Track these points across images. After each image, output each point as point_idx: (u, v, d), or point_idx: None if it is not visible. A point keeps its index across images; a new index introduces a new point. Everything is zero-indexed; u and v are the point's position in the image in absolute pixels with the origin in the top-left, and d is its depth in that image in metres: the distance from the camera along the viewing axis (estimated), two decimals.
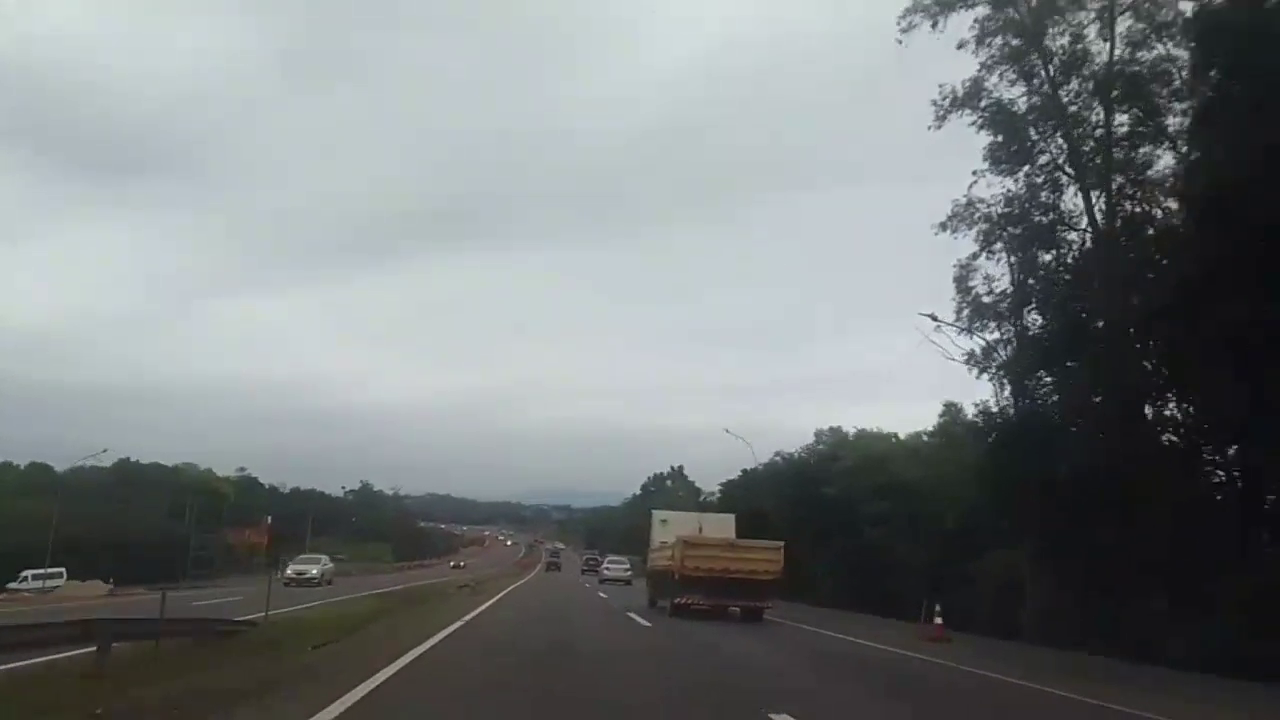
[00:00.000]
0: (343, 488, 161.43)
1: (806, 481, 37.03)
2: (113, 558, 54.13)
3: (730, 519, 30.65)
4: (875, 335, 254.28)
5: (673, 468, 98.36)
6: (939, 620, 19.51)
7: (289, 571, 45.63)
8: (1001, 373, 23.89)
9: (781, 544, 22.63)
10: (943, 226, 24.33)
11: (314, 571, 46.16)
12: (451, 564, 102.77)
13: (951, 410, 33.11)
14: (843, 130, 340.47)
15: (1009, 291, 23.55)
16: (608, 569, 57.79)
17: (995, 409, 24.19)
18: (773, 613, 26.50)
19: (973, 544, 29.71)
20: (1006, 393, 24.66)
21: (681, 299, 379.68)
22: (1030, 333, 23.35)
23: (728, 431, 51.04)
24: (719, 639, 17.02)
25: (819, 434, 54.56)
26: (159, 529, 79.58)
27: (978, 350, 23.95)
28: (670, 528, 26.64)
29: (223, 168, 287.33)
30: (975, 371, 24.04)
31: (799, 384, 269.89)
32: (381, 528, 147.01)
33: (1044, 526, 22.92)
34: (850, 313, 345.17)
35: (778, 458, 43.25)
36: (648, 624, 19.40)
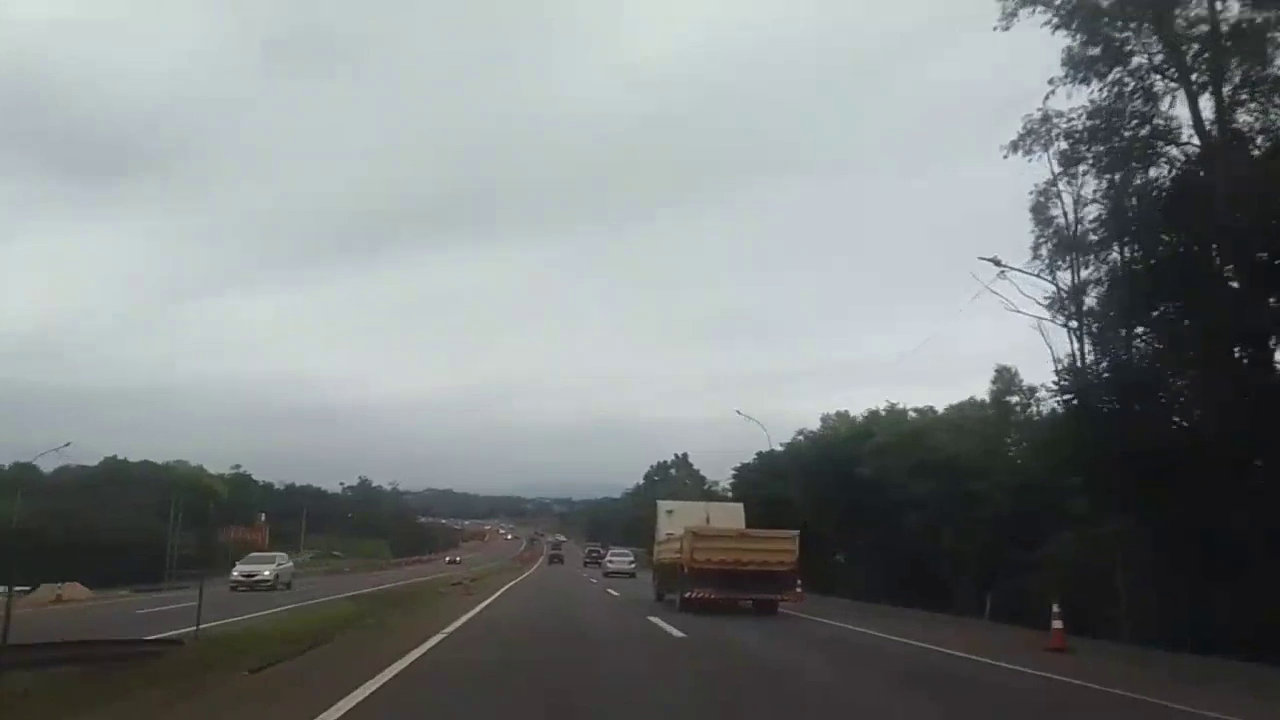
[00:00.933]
0: (341, 484, 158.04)
1: (835, 461, 32.84)
2: (93, 559, 51.27)
3: (739, 508, 28.80)
4: (879, 321, 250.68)
5: (677, 455, 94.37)
6: (1057, 624, 15.16)
7: (235, 573, 38.17)
8: (1087, 322, 19.73)
9: (796, 533, 20.98)
10: (1014, 147, 20.33)
11: (266, 573, 38.12)
12: (447, 560, 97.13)
13: (1005, 376, 29.00)
14: (835, 117, 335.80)
15: (1100, 217, 19.38)
16: (611, 562, 55.81)
17: (1079, 364, 19.96)
18: (809, 610, 23.14)
19: (1033, 527, 25.71)
20: (1087, 349, 20.52)
21: (679, 288, 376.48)
22: (1124, 270, 19.18)
23: (739, 413, 47.07)
24: (770, 652, 13.29)
25: (825, 418, 51.24)
26: (144, 528, 75.68)
27: (1062, 291, 19.76)
28: (677, 518, 24.98)
29: (210, 166, 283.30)
30: (1059, 318, 19.96)
31: (800, 373, 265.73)
32: (380, 524, 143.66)
33: (1146, 504, 18.89)
34: (851, 299, 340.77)
35: (800, 437, 39.43)
36: (681, 633, 15.28)
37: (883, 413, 33.70)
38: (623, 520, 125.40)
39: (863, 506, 31.59)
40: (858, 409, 38.31)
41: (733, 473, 45.14)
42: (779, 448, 44.28)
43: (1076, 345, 20.22)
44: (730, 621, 18.92)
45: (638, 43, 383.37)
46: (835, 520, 33.04)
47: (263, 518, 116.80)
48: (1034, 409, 28.29)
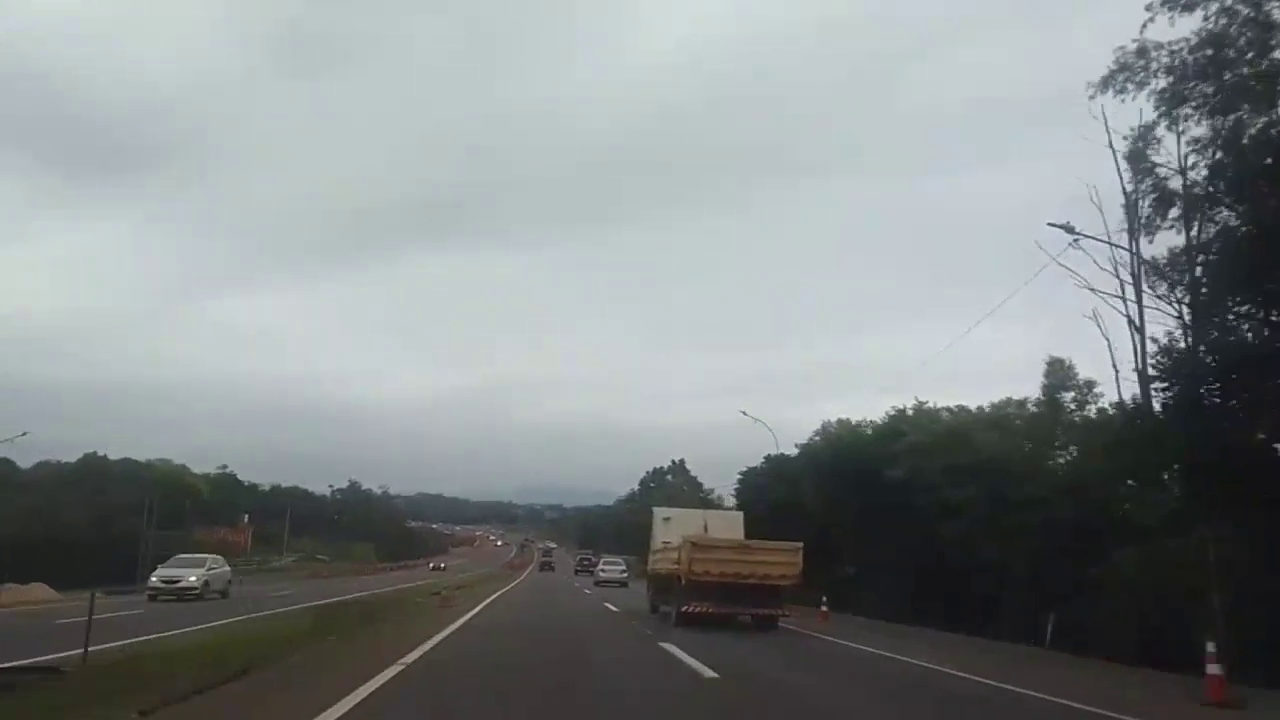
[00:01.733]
0: (330, 487, 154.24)
1: (859, 464, 29.37)
2: (67, 559, 47.98)
3: (739, 517, 27.44)
4: (886, 326, 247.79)
5: (674, 461, 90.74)
6: (1214, 668, 11.54)
7: (154, 579, 31.58)
8: (1184, 296, 16.38)
9: (800, 545, 19.70)
10: (1104, 85, 17.04)
11: (192, 579, 31.11)
12: (431, 566, 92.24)
13: (1058, 370, 25.58)
14: (844, 116, 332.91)
15: (1205, 171, 16.07)
16: (603, 570, 54.17)
17: (1175, 347, 16.58)
18: (834, 630, 19.92)
19: (1092, 539, 22.38)
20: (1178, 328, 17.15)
21: (677, 291, 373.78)
22: (1234, 233, 15.86)
23: (744, 414, 43.74)
24: (844, 702, 10.01)
25: (825, 425, 48.41)
26: (120, 527, 72.01)
27: (1160, 259, 16.42)
28: (673, 526, 23.81)
29: (205, 165, 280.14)
30: (1148, 292, 16.54)
31: (802, 378, 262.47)
32: (368, 528, 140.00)
33: (1252, 512, 15.61)
34: (857, 304, 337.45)
35: (816, 437, 36.02)
36: (711, 673, 11.69)
37: (910, 411, 30.29)
38: (615, 527, 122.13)
39: (887, 513, 28.17)
40: (877, 411, 35.08)
41: (738, 476, 41.72)
42: (788, 450, 40.94)
43: (1175, 324, 16.76)
44: (753, 647, 15.56)
45: (641, 41, 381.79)
46: (854, 528, 29.60)
47: (246, 519, 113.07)
48: (1090, 406, 24.96)
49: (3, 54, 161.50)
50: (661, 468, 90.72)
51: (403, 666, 11.30)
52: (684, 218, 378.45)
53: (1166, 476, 18.80)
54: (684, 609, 19.15)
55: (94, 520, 68.71)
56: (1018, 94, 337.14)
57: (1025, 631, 22.69)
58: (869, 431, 31.43)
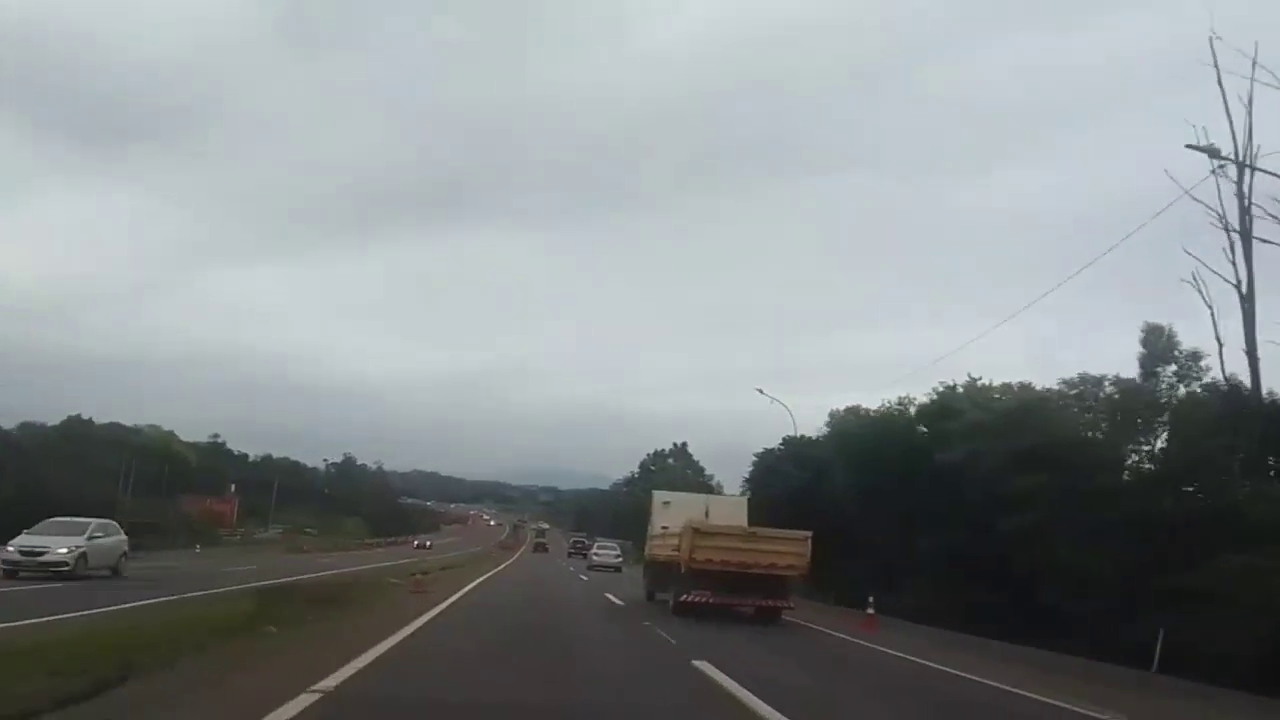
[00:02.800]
0: (324, 460, 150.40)
1: (903, 447, 25.29)
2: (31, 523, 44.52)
3: (742, 503, 26.23)
4: (893, 320, 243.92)
5: (675, 444, 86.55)
6: None
7: (10, 549, 22.65)
8: None
9: (809, 534, 18.57)
10: None
11: (63, 551, 22.33)
12: (415, 544, 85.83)
13: (1156, 338, 21.38)
14: (858, 108, 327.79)
15: None
16: (597, 555, 52.94)
17: None
18: (889, 641, 17.19)
19: (1198, 540, 18.41)
20: None
21: (680, 279, 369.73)
22: None
23: (761, 392, 39.95)
24: None
25: (833, 414, 45.17)
26: (99, 493, 68.12)
27: None
28: (674, 511, 22.32)
29: (210, 136, 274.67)
30: None
31: (807, 370, 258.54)
32: (360, 502, 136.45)
33: None
34: (866, 297, 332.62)
35: (849, 416, 31.85)
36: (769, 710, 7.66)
37: (960, 389, 26.16)
38: (611, 512, 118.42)
39: (935, 504, 24.15)
40: (922, 388, 31.20)
41: (753, 457, 37.62)
42: (806, 433, 36.87)
43: None
44: (803, 663, 11.55)
45: (651, 28, 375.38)
46: (896, 521, 25.55)
47: (233, 488, 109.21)
48: (1192, 383, 20.82)
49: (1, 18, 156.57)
50: (662, 450, 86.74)
51: (341, 679, 7.26)
52: (691, 206, 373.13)
53: None
54: (683, 598, 18.11)
55: (69, 484, 65.15)
56: (1033, 93, 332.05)
57: (1109, 648, 18.72)
58: (909, 411, 27.20)
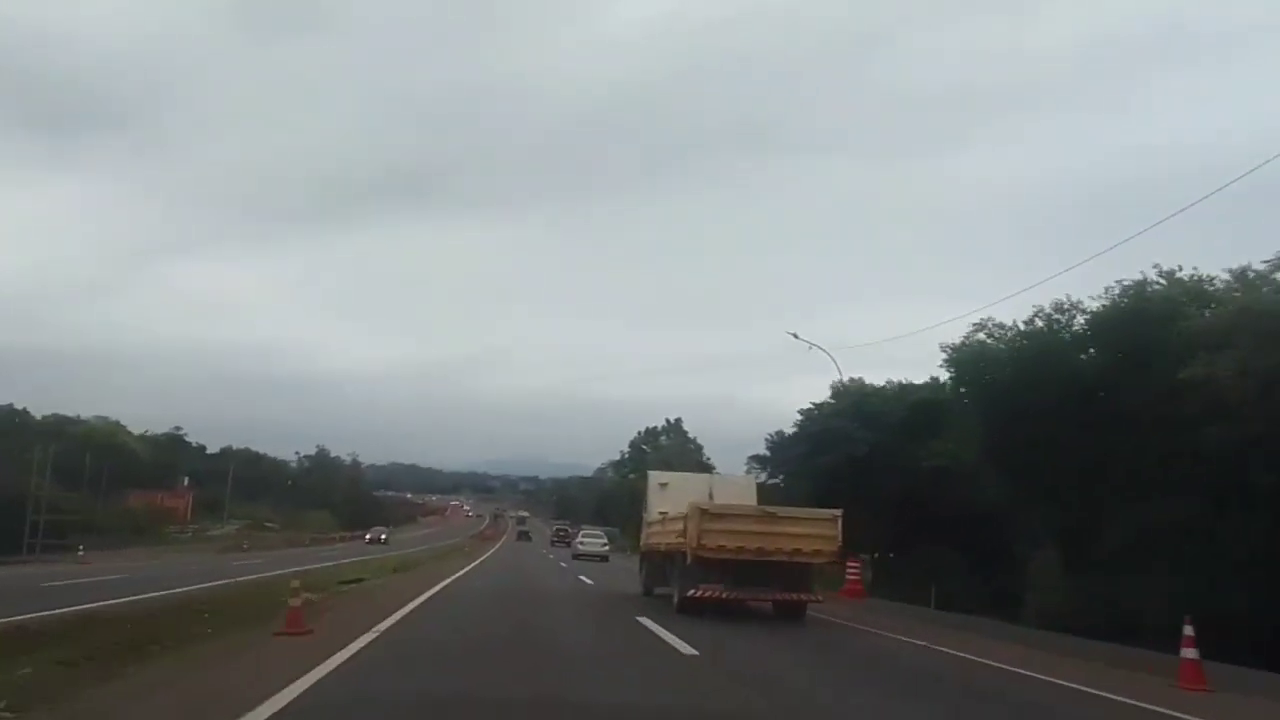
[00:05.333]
0: (296, 453, 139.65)
1: (1065, 378, 15.97)
2: None
3: (751, 483, 22.07)
4: (862, 304, 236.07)
5: (668, 420, 76.76)
6: None
7: None
8: None
9: (839, 513, 15.08)
10: None
11: None
12: (367, 538, 73.78)
13: None
14: (822, 92, 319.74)
15: None
16: (582, 543, 48.78)
17: None
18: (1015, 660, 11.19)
19: None
20: None
21: (655, 265, 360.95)
22: None
23: (796, 337, 30.68)
24: None
25: (835, 385, 37.01)
26: (24, 488, 58.06)
27: None
28: (672, 493, 18.53)
29: (174, 124, 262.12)
30: None
31: (781, 357, 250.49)
32: (331, 495, 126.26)
33: None
34: (837, 280, 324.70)
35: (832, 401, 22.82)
36: None
37: (1158, 280, 16.51)
38: (595, 496, 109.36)
39: (1137, 460, 14.90)
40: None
41: (798, 416, 28.51)
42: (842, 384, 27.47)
43: None
44: None
45: (620, 10, 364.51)
46: (1074, 482, 16.29)
47: (185, 481, 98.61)
48: None
49: None
50: (655, 427, 76.87)
51: None
52: (664, 191, 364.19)
53: None
54: (690, 593, 14.97)
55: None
56: (999, 75, 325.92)
57: None
58: (1062, 329, 17.37)
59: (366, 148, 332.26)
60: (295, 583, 10.54)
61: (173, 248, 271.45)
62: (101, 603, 15.56)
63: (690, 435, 70.49)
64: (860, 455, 24.80)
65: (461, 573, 25.75)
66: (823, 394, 38.26)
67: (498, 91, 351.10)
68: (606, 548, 47.64)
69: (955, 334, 20.14)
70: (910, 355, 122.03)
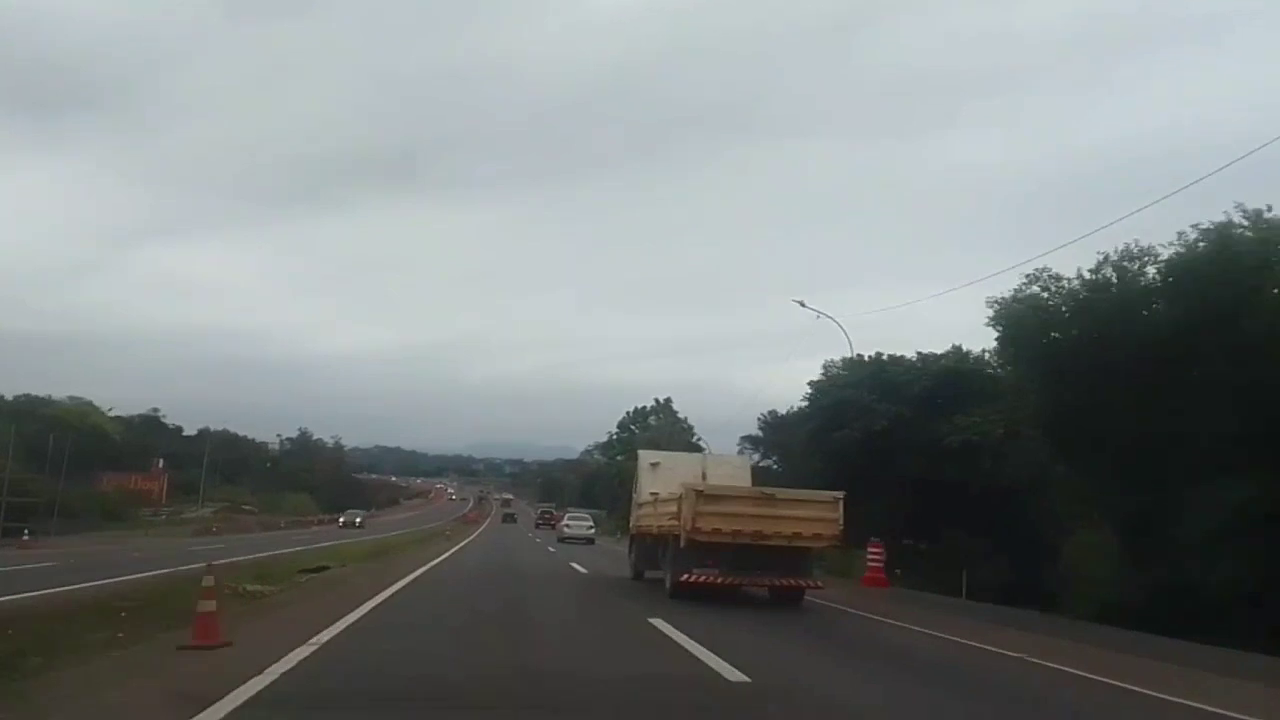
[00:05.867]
0: (278, 436, 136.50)
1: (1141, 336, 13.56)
2: None
3: (745, 464, 21.39)
4: (852, 284, 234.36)
5: (658, 400, 74.03)
6: None
7: None
8: None
9: (841, 495, 14.08)
10: None
11: None
12: (341, 521, 69.21)
13: None
14: (807, 73, 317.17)
15: None
16: (568, 526, 47.98)
17: None
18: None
19: None
20: None
21: (641, 248, 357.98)
22: None
23: (802, 304, 28.39)
24: None
25: (828, 365, 34.87)
26: None
27: None
28: (664, 474, 17.83)
29: (152, 105, 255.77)
30: None
31: (769, 340, 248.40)
32: (313, 478, 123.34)
33: None
34: (829, 264, 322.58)
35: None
36: None
37: (1244, 223, 14.08)
38: (581, 478, 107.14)
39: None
40: None
41: (808, 387, 26.12)
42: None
43: None
44: None
45: None
46: (1142, 457, 13.97)
47: (160, 463, 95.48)
48: None
49: None
50: (644, 407, 74.23)
51: None
52: (650, 173, 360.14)
53: None
54: (683, 578, 14.00)
55: None
56: (982, 58, 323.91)
57: None
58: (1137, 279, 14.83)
59: (350, 130, 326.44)
60: (208, 579, 8.01)
61: (153, 229, 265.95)
62: (6, 597, 13.09)
63: (681, 416, 68.07)
64: (879, 430, 22.48)
65: (438, 560, 23.30)
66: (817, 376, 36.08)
67: (481, 73, 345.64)
68: (592, 530, 47.09)
69: (989, 294, 17.69)
70: (912, 334, 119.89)
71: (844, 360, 25.98)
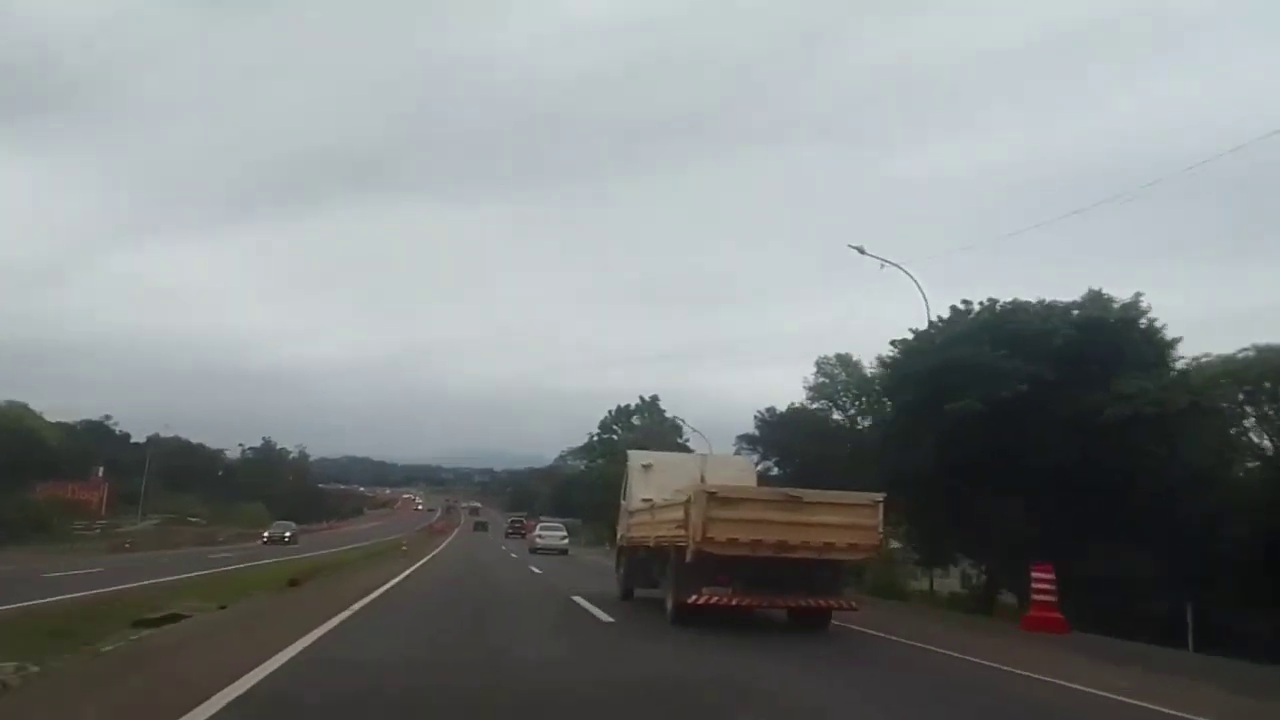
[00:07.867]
0: (239, 445, 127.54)
1: None
2: None
3: (749, 464, 18.77)
4: (816, 293, 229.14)
5: (643, 399, 66.32)
6: None
7: None
8: None
9: (880, 497, 11.70)
10: None
11: None
12: (264, 537, 59.37)
13: None
14: (780, 83, 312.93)
15: None
16: (540, 536, 44.81)
17: None
18: None
19: None
20: None
21: (613, 255, 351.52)
22: None
23: (861, 251, 22.15)
24: None
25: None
26: None
27: None
28: (657, 477, 15.16)
29: (115, 107, 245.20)
30: None
31: (739, 347, 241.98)
32: (272, 488, 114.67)
33: None
34: (798, 269, 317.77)
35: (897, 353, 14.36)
36: None
37: None
38: (554, 486, 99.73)
39: None
40: None
41: (891, 349, 19.49)
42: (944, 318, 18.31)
43: None
44: None
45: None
46: None
47: (100, 472, 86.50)
48: None
49: None
50: (627, 406, 66.60)
51: None
52: (620, 179, 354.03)
53: None
54: (690, 599, 11.41)
55: None
56: (952, 61, 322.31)
57: None
58: None
59: (317, 134, 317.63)
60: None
61: (115, 233, 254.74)
62: None
63: (668, 415, 60.80)
64: (1009, 399, 15.54)
65: (384, 589, 15.89)
66: (799, 394, 31.89)
67: (451, 77, 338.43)
68: (565, 540, 44.45)
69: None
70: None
71: (937, 320, 19.05)
